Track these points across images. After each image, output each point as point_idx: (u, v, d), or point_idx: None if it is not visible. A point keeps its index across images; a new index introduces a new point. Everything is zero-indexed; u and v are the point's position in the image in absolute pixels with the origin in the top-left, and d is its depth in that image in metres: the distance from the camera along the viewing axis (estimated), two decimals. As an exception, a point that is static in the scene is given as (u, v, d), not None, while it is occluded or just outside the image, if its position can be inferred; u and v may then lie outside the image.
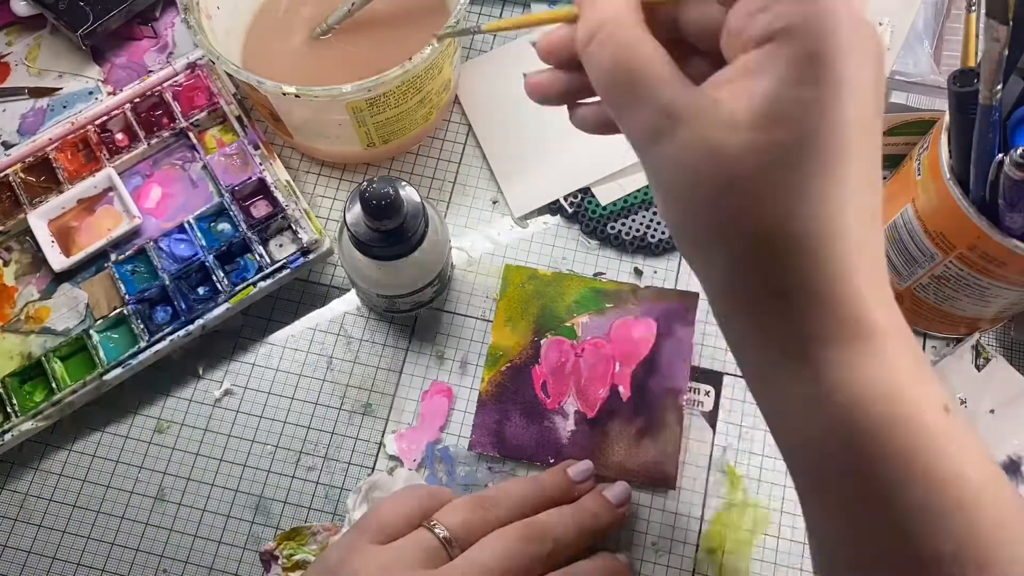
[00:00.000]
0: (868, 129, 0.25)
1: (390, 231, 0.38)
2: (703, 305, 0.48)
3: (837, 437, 0.25)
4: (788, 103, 0.24)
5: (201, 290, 0.47)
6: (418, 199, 0.39)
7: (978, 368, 0.46)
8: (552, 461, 0.44)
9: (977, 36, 0.33)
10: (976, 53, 0.34)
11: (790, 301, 0.25)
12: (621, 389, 0.45)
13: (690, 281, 0.49)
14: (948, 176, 0.37)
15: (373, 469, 0.45)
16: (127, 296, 0.46)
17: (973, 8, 0.33)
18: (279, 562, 0.42)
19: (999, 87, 0.32)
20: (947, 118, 0.38)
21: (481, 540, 0.35)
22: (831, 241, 0.24)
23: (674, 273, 0.49)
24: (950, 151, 0.38)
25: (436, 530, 0.36)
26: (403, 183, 0.39)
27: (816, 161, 0.24)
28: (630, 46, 0.26)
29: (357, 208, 0.38)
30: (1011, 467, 0.44)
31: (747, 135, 0.24)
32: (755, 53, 0.25)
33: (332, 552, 0.36)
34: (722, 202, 0.25)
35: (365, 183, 0.37)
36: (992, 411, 0.45)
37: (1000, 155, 0.34)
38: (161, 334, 0.45)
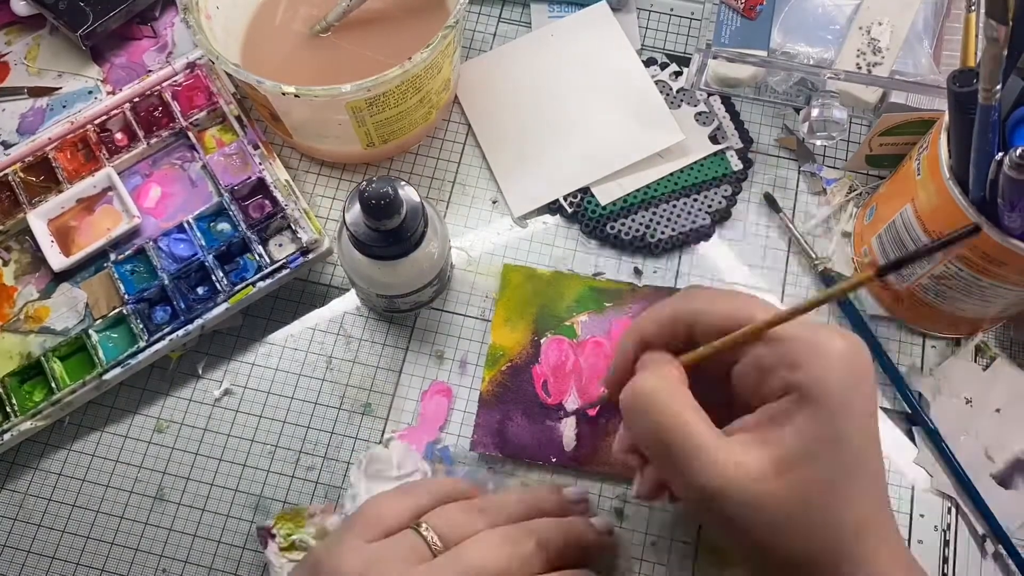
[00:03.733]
0: (872, 441, 0.32)
1: (389, 231, 0.38)
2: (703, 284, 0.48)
3: None
4: (813, 444, 0.30)
5: (200, 290, 0.47)
6: (417, 199, 0.39)
7: (983, 368, 0.46)
8: (554, 460, 0.44)
9: (977, 36, 0.33)
10: (976, 53, 0.34)
11: None
12: None
13: (689, 280, 0.49)
14: (948, 176, 0.37)
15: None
16: (126, 296, 0.46)
17: (973, 8, 0.33)
18: (276, 540, 0.42)
19: (998, 87, 0.32)
20: (947, 118, 0.38)
21: (465, 540, 0.35)
22: (861, 528, 0.31)
23: (673, 273, 0.49)
24: (950, 151, 0.38)
25: (423, 531, 0.36)
26: (402, 183, 0.39)
27: (841, 480, 0.30)
28: (669, 416, 0.32)
29: (356, 208, 0.38)
30: (1018, 465, 0.44)
31: (783, 480, 0.30)
32: (775, 404, 0.31)
33: (320, 547, 0.36)
34: (769, 532, 0.31)
35: (364, 183, 0.37)
36: (998, 410, 0.45)
37: (999, 155, 0.34)
38: (160, 334, 0.45)
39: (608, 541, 0.41)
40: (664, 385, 0.33)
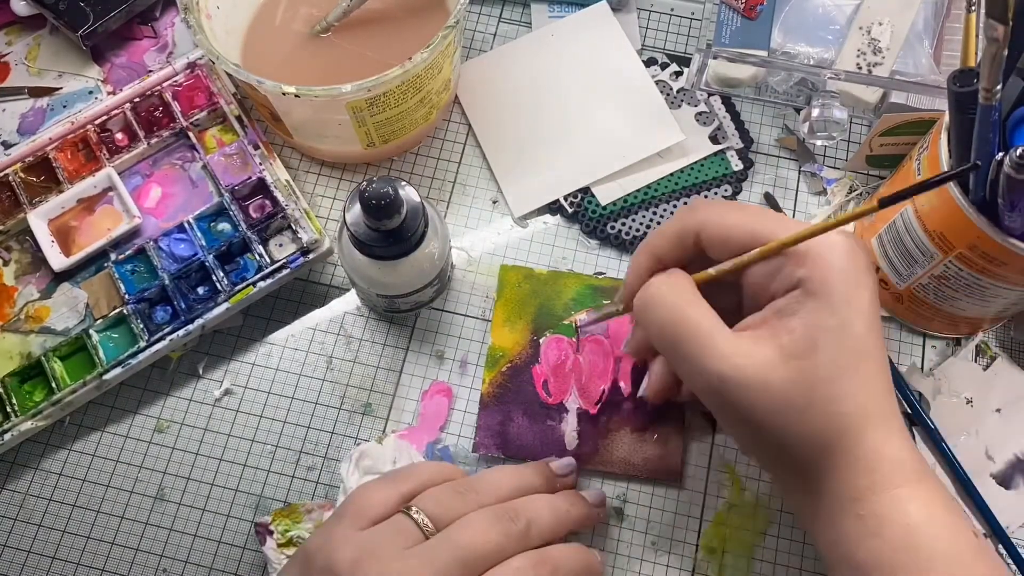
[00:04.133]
0: (874, 331, 0.33)
1: (390, 231, 0.38)
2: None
3: (888, 559, 0.31)
4: (817, 332, 0.32)
5: (201, 290, 0.47)
6: (418, 199, 0.39)
7: (983, 368, 0.46)
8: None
9: (977, 36, 0.33)
10: (976, 53, 0.34)
11: (844, 468, 0.32)
12: (622, 385, 0.45)
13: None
14: (948, 176, 0.37)
15: (373, 469, 0.45)
16: (127, 296, 0.46)
17: (973, 8, 0.33)
18: (273, 536, 0.42)
19: (999, 87, 0.32)
20: (947, 118, 0.38)
21: (456, 521, 0.36)
22: (867, 420, 0.32)
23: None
24: (950, 151, 0.38)
25: (413, 514, 0.36)
26: (402, 183, 0.39)
27: (846, 368, 0.32)
28: (677, 309, 0.35)
29: (357, 208, 0.38)
30: (1018, 465, 0.44)
31: (790, 366, 0.32)
32: (782, 299, 0.33)
33: (311, 540, 0.36)
34: (779, 419, 0.32)
35: (364, 183, 0.37)
36: (998, 410, 0.45)
37: (1000, 155, 0.34)
38: (161, 334, 0.45)
39: (600, 513, 0.42)
40: (674, 283, 0.36)
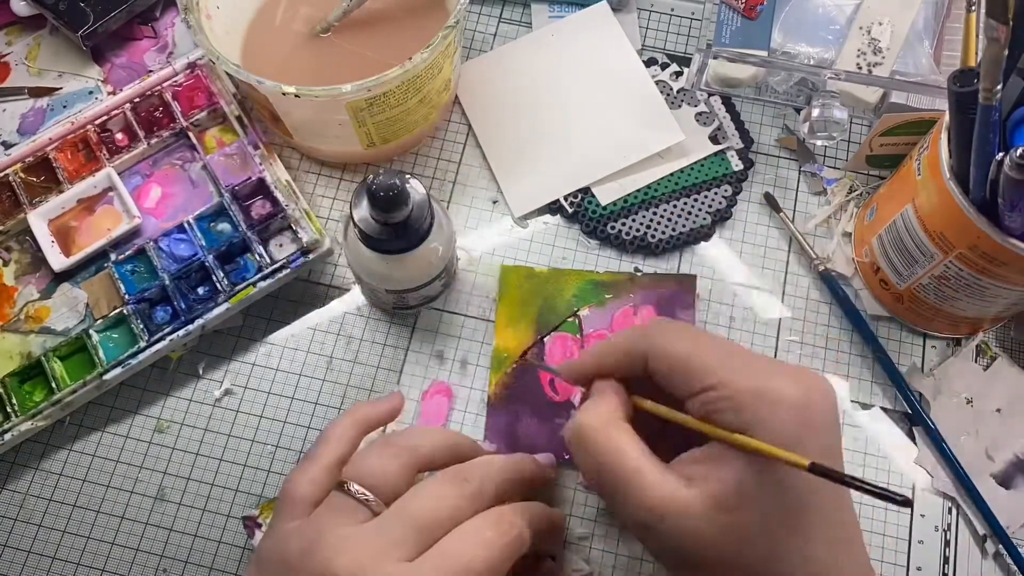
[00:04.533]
0: (819, 484, 0.29)
1: (397, 224, 0.38)
2: (702, 284, 0.48)
3: None
4: (752, 486, 0.30)
5: (201, 290, 0.47)
6: (423, 192, 0.39)
7: (984, 368, 0.46)
8: (567, 457, 0.44)
9: (977, 36, 0.33)
10: (976, 53, 0.34)
11: None
12: None
13: (690, 271, 0.49)
14: (948, 176, 0.37)
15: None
16: (127, 296, 0.46)
17: (973, 8, 0.33)
18: (262, 529, 0.42)
19: (999, 87, 0.32)
20: (947, 118, 0.38)
21: (406, 492, 0.34)
22: None
23: (674, 272, 0.49)
24: (950, 151, 0.38)
25: (348, 488, 0.34)
26: (408, 176, 0.39)
27: (784, 526, 0.30)
28: (604, 450, 0.33)
29: (364, 204, 0.38)
30: (1018, 465, 0.44)
31: (723, 519, 0.30)
32: (718, 445, 0.31)
33: (261, 542, 0.35)
34: (712, 565, 0.31)
35: (371, 177, 0.37)
36: (999, 410, 0.45)
37: (1000, 155, 0.34)
38: (161, 334, 0.45)
39: (551, 474, 0.41)
40: (602, 422, 0.33)
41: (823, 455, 0.29)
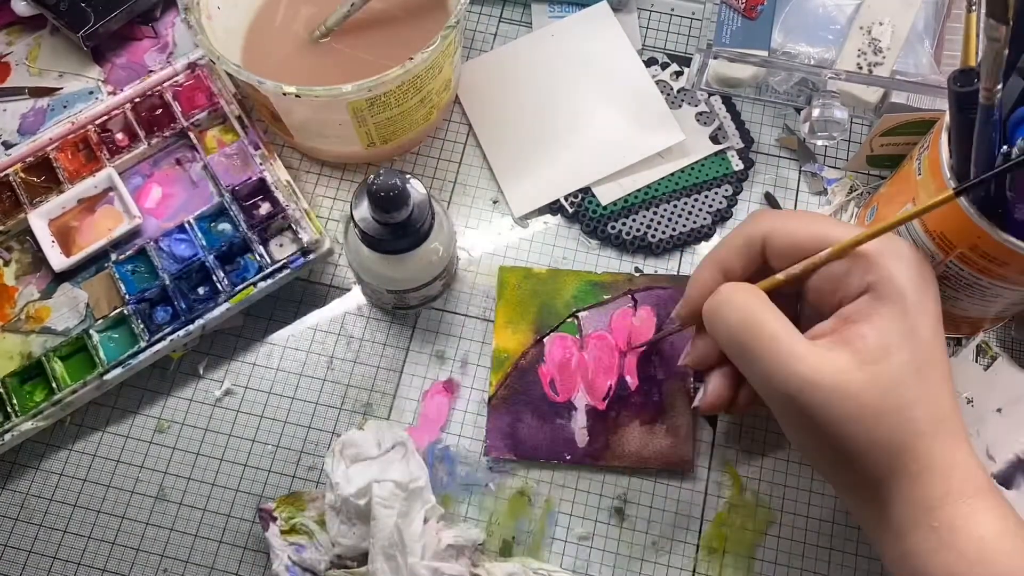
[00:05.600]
0: (940, 337, 0.33)
1: (398, 224, 0.38)
2: None
3: (964, 573, 0.31)
4: (890, 337, 0.32)
5: (201, 290, 0.47)
6: (424, 191, 0.39)
7: (984, 368, 0.46)
8: (568, 458, 0.44)
9: (978, 36, 0.33)
10: (976, 53, 0.34)
11: (916, 476, 0.32)
12: (628, 379, 0.46)
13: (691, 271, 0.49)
14: (948, 176, 0.37)
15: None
16: (127, 296, 0.46)
17: (974, 8, 0.33)
18: (277, 523, 0.42)
19: (999, 87, 0.32)
20: (947, 118, 0.38)
21: None
22: (938, 426, 0.32)
23: (674, 273, 0.49)
24: (950, 151, 0.37)
25: None
26: (408, 176, 0.39)
27: (918, 373, 0.32)
28: (752, 314, 0.34)
29: (364, 203, 0.38)
30: (1019, 465, 0.44)
31: (865, 371, 0.32)
32: (850, 306, 0.34)
33: None
34: (853, 426, 0.32)
35: (372, 176, 0.37)
36: (999, 410, 0.45)
37: (1005, 147, 0.34)
38: (161, 334, 0.45)
39: None
40: (746, 289, 0.35)
41: (936, 300, 0.34)
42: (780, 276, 0.36)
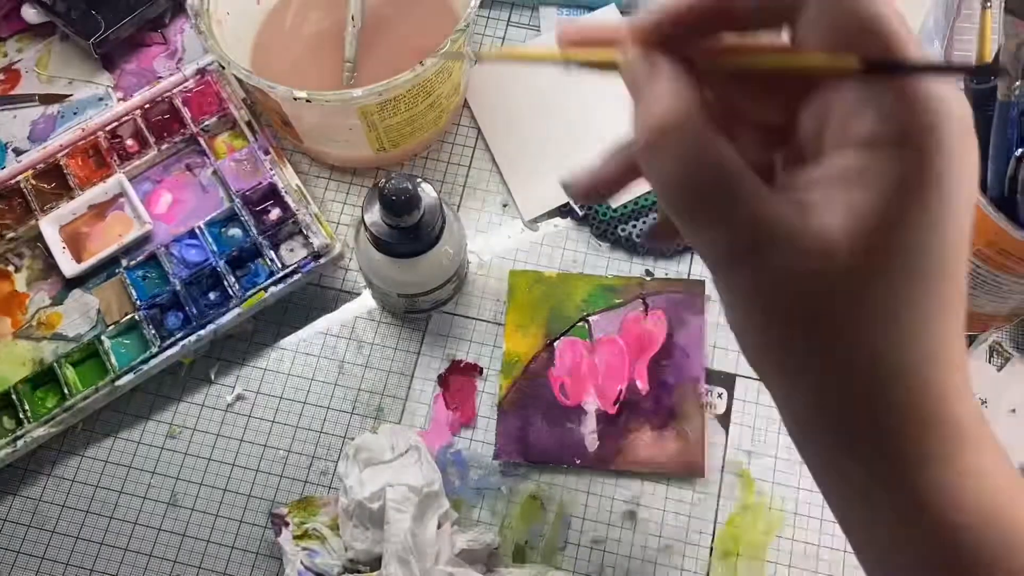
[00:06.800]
0: (964, 246, 0.22)
1: (409, 228, 0.38)
2: (712, 288, 0.48)
3: (941, 557, 0.24)
4: (894, 225, 0.21)
5: (212, 295, 0.47)
6: (434, 195, 0.39)
7: (998, 368, 0.46)
8: (578, 462, 0.44)
9: (992, 33, 0.33)
10: (990, 50, 0.34)
11: (889, 426, 0.23)
12: (639, 383, 0.45)
13: (702, 275, 0.48)
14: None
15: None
16: (138, 302, 0.46)
17: (988, 5, 0.33)
18: (289, 528, 0.42)
19: (1018, 83, 0.32)
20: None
21: None
22: (933, 364, 0.23)
23: (684, 275, 0.49)
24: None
25: None
26: (419, 180, 0.39)
27: (919, 286, 0.22)
28: (701, 152, 0.22)
29: (376, 208, 0.38)
30: (1031, 468, 0.44)
31: (845, 259, 0.21)
32: (857, 155, 0.21)
33: None
34: (814, 329, 0.22)
35: (383, 180, 0.37)
36: (1013, 411, 0.45)
37: (1019, 150, 0.33)
38: (172, 339, 0.45)
39: None
40: (686, 115, 0.23)
41: (972, 198, 0.22)
42: (758, 59, 0.23)
